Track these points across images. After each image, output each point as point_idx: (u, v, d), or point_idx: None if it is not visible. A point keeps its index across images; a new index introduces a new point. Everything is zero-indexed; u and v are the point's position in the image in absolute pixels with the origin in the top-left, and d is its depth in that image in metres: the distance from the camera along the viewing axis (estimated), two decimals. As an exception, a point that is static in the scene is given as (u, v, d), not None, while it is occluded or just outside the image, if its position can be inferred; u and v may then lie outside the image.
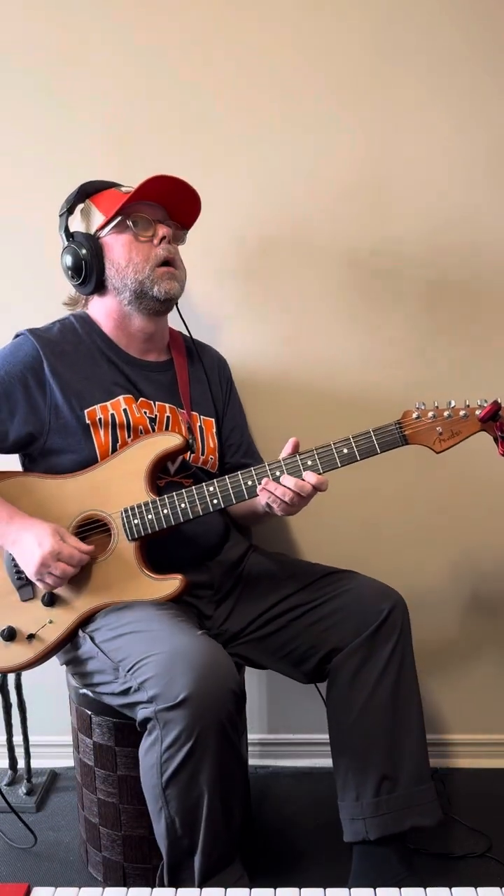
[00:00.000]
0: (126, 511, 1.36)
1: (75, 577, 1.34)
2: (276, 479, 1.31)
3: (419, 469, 1.75)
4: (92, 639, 1.34)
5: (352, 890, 0.93)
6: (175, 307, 1.49)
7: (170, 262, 1.43)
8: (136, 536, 1.35)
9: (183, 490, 1.34)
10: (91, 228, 1.44)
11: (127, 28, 1.65)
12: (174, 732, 1.16)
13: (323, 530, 1.81)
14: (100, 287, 1.44)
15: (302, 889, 0.93)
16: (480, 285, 1.72)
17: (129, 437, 1.41)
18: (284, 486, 1.30)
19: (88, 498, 1.38)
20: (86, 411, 1.40)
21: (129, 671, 1.24)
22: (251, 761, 1.76)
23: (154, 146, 1.69)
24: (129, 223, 1.41)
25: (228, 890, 0.93)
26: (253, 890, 0.93)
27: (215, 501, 1.33)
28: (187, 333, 1.58)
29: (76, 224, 1.45)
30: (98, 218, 1.43)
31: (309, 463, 1.31)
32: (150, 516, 1.34)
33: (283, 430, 1.75)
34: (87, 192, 1.45)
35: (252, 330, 1.75)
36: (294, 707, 1.89)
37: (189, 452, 1.44)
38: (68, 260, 1.44)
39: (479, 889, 0.92)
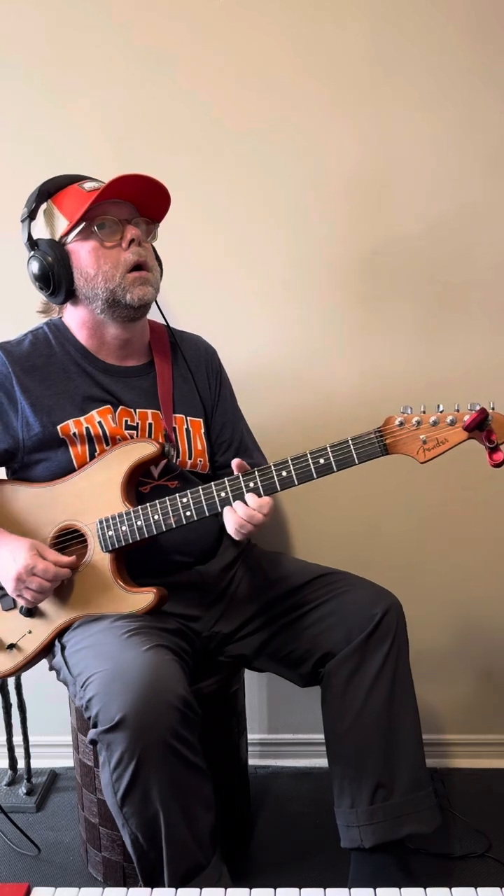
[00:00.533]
0: (101, 522, 1.33)
1: (55, 588, 1.33)
2: (252, 490, 1.26)
3: (420, 469, 1.75)
4: (63, 649, 1.34)
5: (352, 890, 0.92)
6: (154, 302, 1.42)
7: (141, 266, 1.35)
8: (111, 548, 1.33)
9: (157, 501, 1.30)
10: (55, 234, 1.35)
11: (126, 31, 1.65)
12: (117, 754, 1.14)
13: (324, 529, 1.81)
14: (71, 296, 1.38)
15: (302, 889, 0.93)
16: (481, 284, 1.72)
17: (107, 448, 1.37)
18: (235, 512, 1.27)
19: (66, 507, 1.36)
20: (58, 427, 1.36)
21: (81, 687, 1.23)
22: (251, 761, 1.76)
23: (153, 147, 1.69)
24: (95, 228, 1.33)
25: (229, 890, 0.93)
26: (253, 890, 0.93)
27: (188, 514, 1.29)
28: (169, 326, 1.52)
29: (40, 229, 1.37)
30: (62, 223, 1.34)
31: (283, 474, 1.25)
32: (123, 528, 1.31)
33: (281, 432, 1.76)
34: (49, 191, 1.37)
35: (251, 330, 1.75)
36: (294, 707, 1.89)
37: (166, 459, 1.38)
38: (34, 270, 1.36)
39: (479, 889, 0.92)
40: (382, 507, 1.82)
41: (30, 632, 1.38)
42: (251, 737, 1.83)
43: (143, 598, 1.31)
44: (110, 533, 1.32)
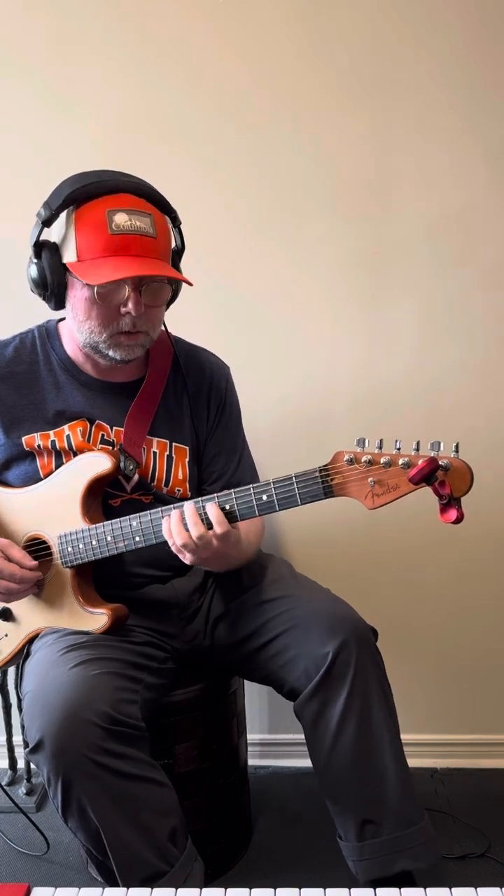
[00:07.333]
0: (61, 537, 1.30)
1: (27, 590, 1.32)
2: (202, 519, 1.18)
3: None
4: (27, 658, 1.33)
5: (352, 890, 0.92)
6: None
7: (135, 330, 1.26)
8: (69, 564, 1.30)
9: (111, 522, 1.26)
10: (63, 252, 1.24)
11: (126, 30, 1.65)
12: (44, 774, 1.15)
13: (323, 529, 1.82)
14: (64, 307, 1.30)
15: (302, 889, 0.93)
16: (481, 284, 1.72)
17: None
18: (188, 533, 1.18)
19: (34, 516, 1.34)
20: (23, 439, 1.33)
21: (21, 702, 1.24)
22: (251, 761, 1.76)
23: (154, 147, 1.69)
24: (95, 288, 1.20)
25: (228, 890, 0.93)
26: (253, 890, 0.92)
27: (137, 539, 1.25)
28: (175, 344, 1.43)
29: (56, 231, 1.25)
30: (72, 251, 1.22)
31: (227, 507, 1.18)
32: (80, 545, 1.28)
33: (281, 435, 1.76)
34: (77, 200, 1.21)
35: (251, 329, 1.75)
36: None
37: (125, 476, 1.34)
38: (32, 276, 1.27)
39: (479, 889, 0.92)
40: (382, 508, 1.82)
41: (6, 635, 1.38)
42: (251, 737, 1.83)
43: (98, 619, 1.28)
44: (69, 549, 1.30)
